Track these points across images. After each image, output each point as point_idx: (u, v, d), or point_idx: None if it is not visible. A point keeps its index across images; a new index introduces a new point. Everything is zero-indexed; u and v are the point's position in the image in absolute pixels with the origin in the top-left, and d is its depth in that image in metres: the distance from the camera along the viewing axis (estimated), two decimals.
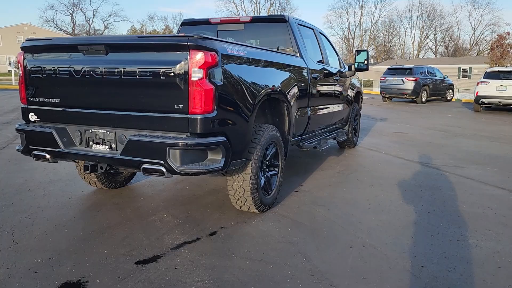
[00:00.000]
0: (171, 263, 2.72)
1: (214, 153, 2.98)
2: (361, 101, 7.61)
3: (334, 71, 5.72)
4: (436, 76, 19.94)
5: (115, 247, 2.94)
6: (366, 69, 6.17)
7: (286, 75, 4.09)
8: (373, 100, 19.91)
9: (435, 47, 64.12)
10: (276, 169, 3.95)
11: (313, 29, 5.56)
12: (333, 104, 5.73)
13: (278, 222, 3.52)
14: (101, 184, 4.18)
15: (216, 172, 3.07)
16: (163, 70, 2.83)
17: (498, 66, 23.79)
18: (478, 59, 41.54)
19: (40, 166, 5.14)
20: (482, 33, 59.23)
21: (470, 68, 38.11)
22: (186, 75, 2.78)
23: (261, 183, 3.64)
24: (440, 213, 3.88)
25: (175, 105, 2.85)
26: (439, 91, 20.17)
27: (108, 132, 3.14)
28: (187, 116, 2.84)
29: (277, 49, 4.56)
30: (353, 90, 6.76)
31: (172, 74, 2.81)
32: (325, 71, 5.30)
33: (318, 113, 5.11)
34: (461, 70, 38.42)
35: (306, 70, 4.64)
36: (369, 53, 6.18)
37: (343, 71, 6.17)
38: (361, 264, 2.81)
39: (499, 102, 14.65)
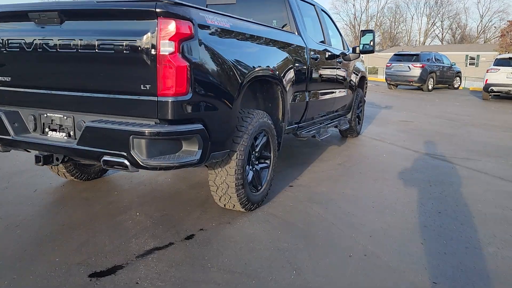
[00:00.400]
0: (133, 276, 2.27)
1: (189, 144, 2.50)
2: (366, 87, 7.07)
3: (337, 52, 5.19)
4: (443, 63, 19.20)
5: (70, 253, 2.48)
6: (372, 51, 5.63)
7: (280, 54, 3.59)
8: (378, 87, 19.29)
9: (442, 34, 62.72)
10: (267, 161, 3.47)
11: (314, 5, 5.02)
12: (335, 89, 5.20)
13: (267, 223, 3.06)
14: (71, 175, 3.72)
15: (192, 166, 2.59)
16: (127, 42, 2.33)
17: (509, 53, 22.97)
18: (486, 46, 40.60)
19: (11, 154, 4.64)
20: (490, 20, 57.95)
21: (478, 56, 37.23)
22: (154, 49, 2.29)
23: (248, 178, 3.16)
24: (452, 213, 3.41)
25: (141, 86, 2.36)
26: (446, 78, 19.46)
27: (65, 117, 2.66)
28: (155, 98, 2.34)
29: (282, 27, 4.07)
30: (357, 74, 6.22)
31: (137, 47, 2.31)
32: (326, 52, 4.78)
33: (318, 99, 4.61)
34: (469, 58, 37.55)
35: (305, 50, 4.12)
36: (375, 40, 5.62)
37: (347, 53, 5.63)
38: (362, 279, 2.35)
39: (510, 91, 14.07)
